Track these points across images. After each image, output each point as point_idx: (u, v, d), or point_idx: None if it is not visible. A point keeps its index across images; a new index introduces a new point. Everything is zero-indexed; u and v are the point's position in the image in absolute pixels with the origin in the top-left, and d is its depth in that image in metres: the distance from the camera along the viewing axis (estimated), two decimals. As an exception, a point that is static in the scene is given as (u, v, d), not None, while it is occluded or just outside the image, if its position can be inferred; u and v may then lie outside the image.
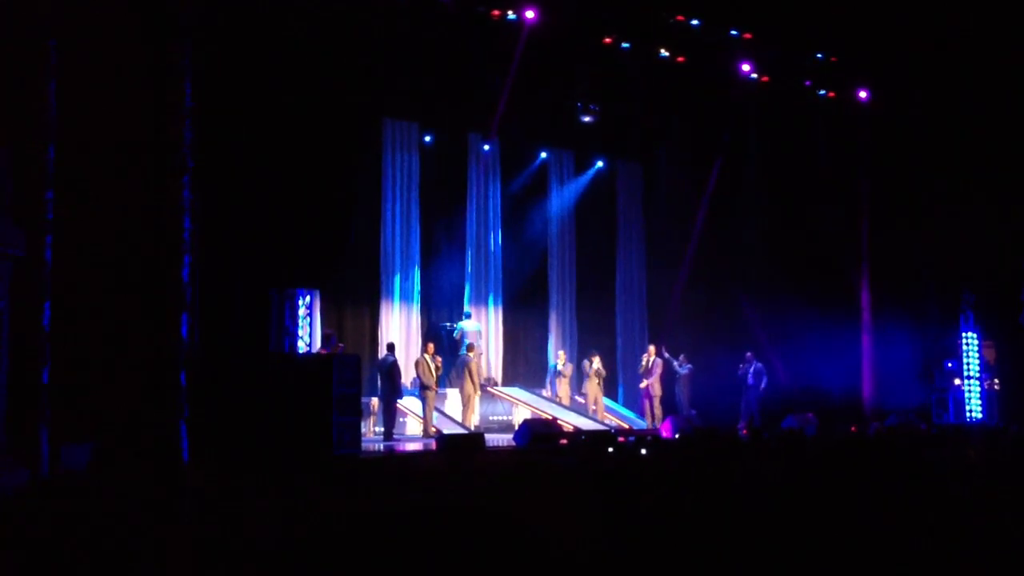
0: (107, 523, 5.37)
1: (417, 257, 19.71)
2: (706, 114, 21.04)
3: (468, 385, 18.04)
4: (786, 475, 6.99)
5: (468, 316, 19.92)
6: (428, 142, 20.02)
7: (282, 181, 14.33)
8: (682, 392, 20.29)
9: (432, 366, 17.22)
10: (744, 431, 17.31)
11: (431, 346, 17.75)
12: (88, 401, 11.12)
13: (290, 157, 14.37)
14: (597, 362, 19.64)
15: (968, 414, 21.02)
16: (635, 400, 20.77)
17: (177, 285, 11.85)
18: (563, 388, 19.75)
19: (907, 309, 21.78)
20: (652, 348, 20.35)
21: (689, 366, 20.35)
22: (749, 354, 20.41)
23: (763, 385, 20.16)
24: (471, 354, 18.30)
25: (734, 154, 21.34)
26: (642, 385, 19.90)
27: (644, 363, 20.08)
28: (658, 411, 19.59)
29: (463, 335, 19.32)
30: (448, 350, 19.01)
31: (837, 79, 21.14)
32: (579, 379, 20.32)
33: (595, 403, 19.44)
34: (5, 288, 10.24)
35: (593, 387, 19.54)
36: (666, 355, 20.22)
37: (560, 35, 18.06)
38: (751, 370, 20.23)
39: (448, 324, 20.24)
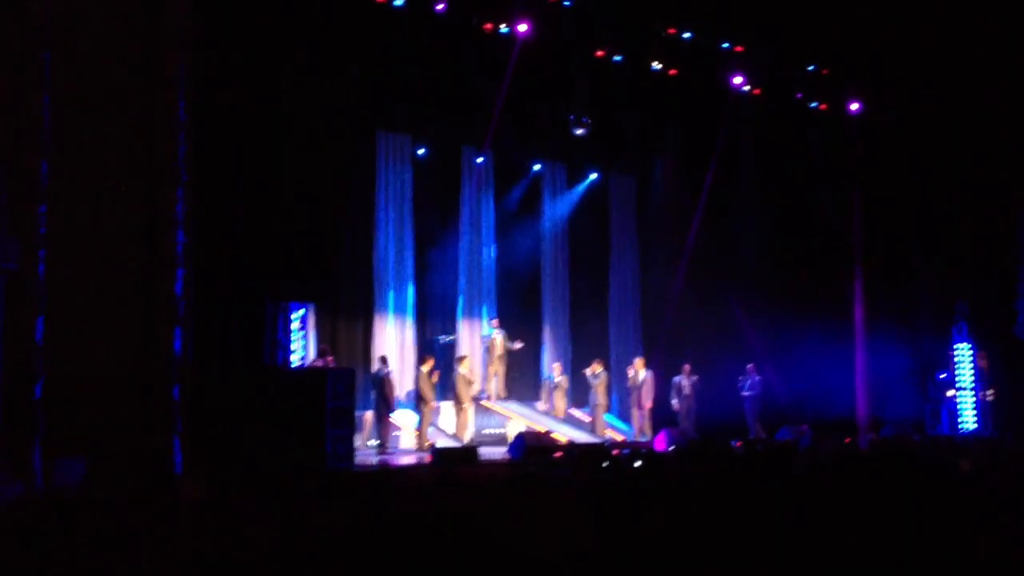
0: (101, 537, 5.36)
1: (411, 270, 19.67)
2: (699, 126, 21.09)
3: (455, 402, 17.98)
4: (778, 487, 6.99)
5: (492, 326, 19.78)
6: (421, 155, 20.02)
7: (276, 194, 14.35)
8: (689, 407, 19.81)
9: (431, 380, 17.16)
10: (738, 443, 17.28)
11: (430, 359, 17.68)
12: (82, 415, 11.09)
13: (283, 170, 14.38)
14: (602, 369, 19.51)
15: (962, 425, 21.05)
16: (628, 412, 20.71)
17: (171, 298, 11.82)
18: (559, 400, 19.68)
19: (901, 320, 21.83)
20: (640, 360, 20.06)
21: (695, 378, 19.98)
22: (750, 366, 20.37)
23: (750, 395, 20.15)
24: (460, 367, 18.09)
25: (727, 166, 21.38)
26: (648, 404, 19.53)
27: (632, 376, 19.82)
28: (647, 424, 19.49)
29: (493, 345, 19.36)
30: (444, 363, 18.87)
31: (829, 91, 21.22)
32: (577, 389, 20.23)
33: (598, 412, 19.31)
34: (-2, 302, 10.23)
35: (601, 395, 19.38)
36: (674, 379, 19.93)
37: (553, 48, 18.10)
38: (747, 383, 20.21)
39: (442, 337, 20.19)
